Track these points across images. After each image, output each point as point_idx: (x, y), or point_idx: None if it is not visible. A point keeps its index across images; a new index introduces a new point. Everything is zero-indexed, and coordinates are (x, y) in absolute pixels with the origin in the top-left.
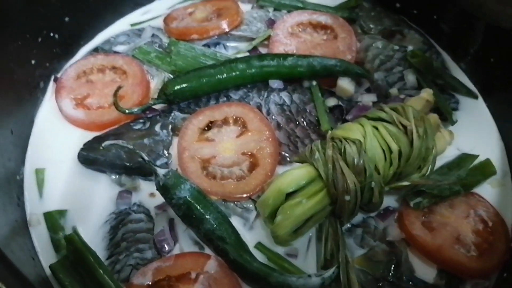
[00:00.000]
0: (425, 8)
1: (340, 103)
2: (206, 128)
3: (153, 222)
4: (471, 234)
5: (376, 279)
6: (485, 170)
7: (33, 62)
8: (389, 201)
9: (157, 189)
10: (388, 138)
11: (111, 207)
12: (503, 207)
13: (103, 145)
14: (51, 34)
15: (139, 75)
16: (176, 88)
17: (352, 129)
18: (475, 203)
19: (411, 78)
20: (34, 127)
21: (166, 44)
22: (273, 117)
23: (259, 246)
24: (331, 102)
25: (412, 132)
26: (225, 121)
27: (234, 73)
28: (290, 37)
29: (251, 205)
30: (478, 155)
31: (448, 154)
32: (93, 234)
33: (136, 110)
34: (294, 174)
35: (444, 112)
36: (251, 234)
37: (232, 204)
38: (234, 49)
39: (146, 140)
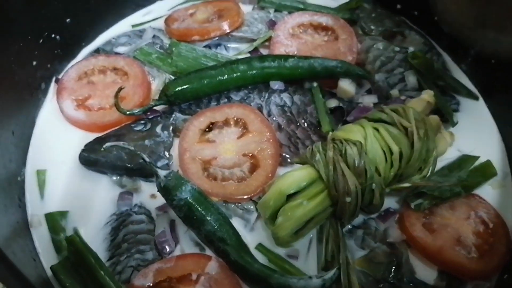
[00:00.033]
0: (426, 9)
1: (341, 104)
2: (207, 130)
3: (154, 224)
4: (472, 235)
5: (376, 281)
6: (485, 171)
7: (34, 63)
8: (390, 203)
9: (158, 191)
10: (389, 140)
11: (112, 208)
12: (503, 209)
13: (104, 146)
14: (53, 35)
15: (140, 76)
16: (177, 89)
17: (353, 131)
18: (476, 204)
19: (412, 79)
20: (35, 128)
21: (167, 45)
22: (274, 118)
23: (260, 247)
24: (332, 103)
25: (413, 134)
26: (226, 122)
27: (235, 74)
28: (291, 38)
29: (252, 207)
30: (478, 157)
31: (448, 156)
32: (94, 235)
33: (137, 111)
34: (295, 176)
35: (445, 114)
36: (252, 235)
37: (233, 206)
38: (235, 50)
39: (147, 141)
